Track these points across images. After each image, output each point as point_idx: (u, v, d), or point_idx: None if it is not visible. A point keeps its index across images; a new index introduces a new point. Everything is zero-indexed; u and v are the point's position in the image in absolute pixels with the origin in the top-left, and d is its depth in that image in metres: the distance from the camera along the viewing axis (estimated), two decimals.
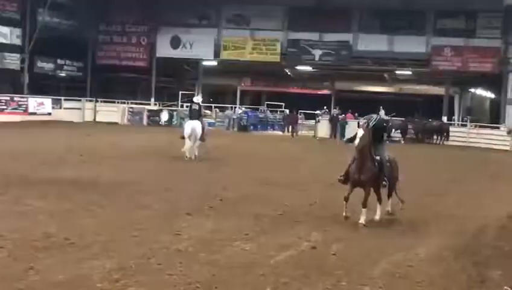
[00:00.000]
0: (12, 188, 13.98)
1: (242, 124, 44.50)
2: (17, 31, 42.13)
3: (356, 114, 42.56)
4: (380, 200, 12.78)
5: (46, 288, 7.51)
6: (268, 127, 44.82)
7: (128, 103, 46.57)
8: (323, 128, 42.76)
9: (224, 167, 21.11)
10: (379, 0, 42.31)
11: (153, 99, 47.29)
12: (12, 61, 42.11)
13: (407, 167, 14.16)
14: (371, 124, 12.68)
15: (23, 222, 10.76)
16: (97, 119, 45.14)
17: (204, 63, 47.48)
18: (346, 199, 12.22)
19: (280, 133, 43.37)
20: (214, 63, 46.89)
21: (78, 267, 8.36)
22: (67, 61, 46.72)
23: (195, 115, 22.59)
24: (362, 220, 12.07)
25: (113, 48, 47.37)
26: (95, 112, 45.95)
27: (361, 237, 11.41)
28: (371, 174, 12.32)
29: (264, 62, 45.21)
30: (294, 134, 42.29)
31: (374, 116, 12.97)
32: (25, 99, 41.79)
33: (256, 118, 45.58)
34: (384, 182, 12.62)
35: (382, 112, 13.39)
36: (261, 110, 46.83)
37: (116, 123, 44.08)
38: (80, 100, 45.93)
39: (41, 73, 45.00)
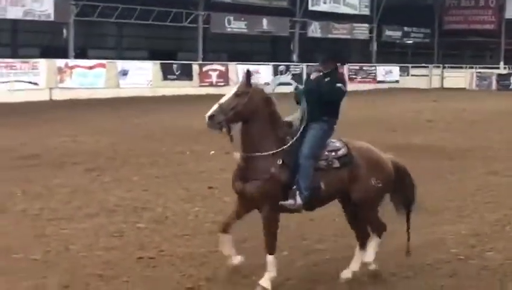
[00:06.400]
0: None
1: None
2: (366, 1, 43.44)
3: None
4: (373, 231, 6.88)
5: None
6: None
7: (475, 68, 45.42)
8: None
9: None
10: None
11: (502, 63, 45.52)
12: (362, 31, 43.60)
13: None
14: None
15: None
16: (444, 86, 44.78)
17: None
18: (228, 222, 6.61)
19: None
20: None
21: (431, 232, 8.45)
22: (414, 28, 47.07)
23: None
24: (264, 280, 6.33)
25: (461, 12, 46.64)
26: (442, 78, 45.66)
27: None
28: (264, 180, 6.30)
29: None
30: None
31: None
32: (373, 68, 43.05)
33: None
34: (291, 201, 6.34)
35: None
36: None
37: (463, 89, 43.24)
38: (426, 67, 46.00)
39: (388, 41, 45.96)
